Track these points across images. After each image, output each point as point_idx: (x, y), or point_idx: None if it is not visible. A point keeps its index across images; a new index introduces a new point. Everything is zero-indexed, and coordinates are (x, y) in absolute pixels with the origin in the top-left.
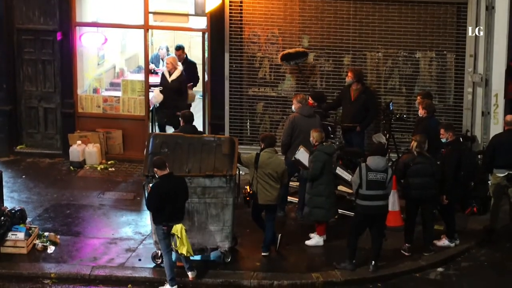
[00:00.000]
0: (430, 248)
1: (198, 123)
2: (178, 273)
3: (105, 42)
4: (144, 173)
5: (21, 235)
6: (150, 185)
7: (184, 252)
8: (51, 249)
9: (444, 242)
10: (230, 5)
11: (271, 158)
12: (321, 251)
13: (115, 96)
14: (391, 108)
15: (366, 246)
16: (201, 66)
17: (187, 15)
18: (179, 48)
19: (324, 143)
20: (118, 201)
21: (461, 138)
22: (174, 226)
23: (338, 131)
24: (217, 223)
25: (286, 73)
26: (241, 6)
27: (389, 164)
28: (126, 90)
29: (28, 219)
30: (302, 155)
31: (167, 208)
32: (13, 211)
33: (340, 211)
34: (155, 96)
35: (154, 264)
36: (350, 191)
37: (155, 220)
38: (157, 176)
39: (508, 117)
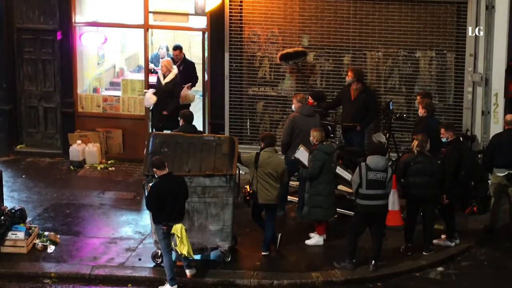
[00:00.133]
0: (430, 248)
1: (198, 122)
2: (178, 273)
3: (105, 42)
4: (144, 173)
5: (21, 235)
6: (150, 184)
7: (184, 252)
8: (51, 248)
9: (444, 241)
10: (230, 5)
11: (271, 158)
12: (321, 250)
13: (115, 96)
14: (391, 108)
15: (366, 245)
16: (201, 65)
17: (187, 14)
18: (177, 48)
19: (324, 143)
20: (118, 201)
21: (461, 138)
22: (174, 226)
23: (338, 130)
24: (217, 222)
25: (286, 73)
26: (241, 5)
27: (389, 163)
28: (126, 90)
29: (28, 219)
30: (302, 154)
31: (167, 207)
32: (13, 211)
33: (340, 210)
34: (147, 98)
35: (154, 264)
36: (350, 190)
37: (155, 219)
38: (156, 176)
39: (508, 117)
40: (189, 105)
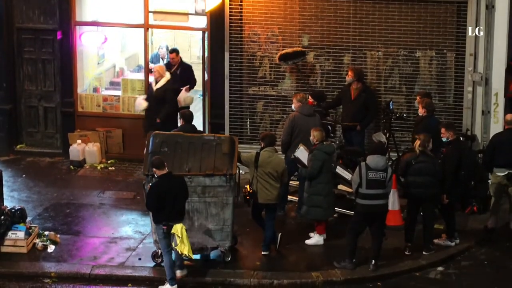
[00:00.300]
0: (430, 247)
1: (198, 122)
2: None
3: (105, 41)
4: (144, 173)
5: (21, 234)
6: (150, 184)
7: (185, 252)
8: (51, 248)
9: (444, 241)
10: (230, 4)
11: (271, 157)
12: (321, 250)
13: (115, 95)
14: (391, 107)
15: (366, 245)
16: (201, 65)
17: (187, 14)
18: (173, 51)
19: (324, 143)
20: (118, 200)
21: (461, 137)
22: (174, 226)
23: (338, 130)
24: (217, 222)
25: (286, 72)
26: (241, 5)
27: (389, 163)
28: (126, 89)
29: (28, 218)
30: (302, 154)
31: (167, 207)
32: (13, 210)
33: (340, 210)
34: (137, 104)
35: (154, 263)
36: (350, 190)
37: (155, 219)
38: (156, 176)
39: (508, 116)
40: (188, 107)
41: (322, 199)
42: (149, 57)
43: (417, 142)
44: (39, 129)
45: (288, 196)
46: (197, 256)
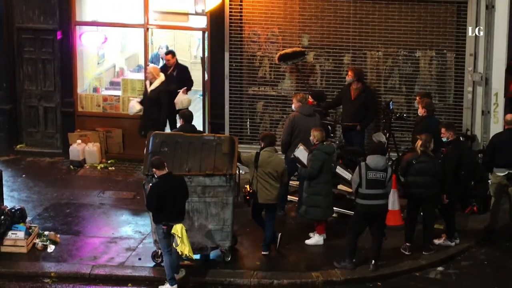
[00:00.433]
0: (430, 247)
1: (198, 122)
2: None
3: (105, 41)
4: (144, 173)
5: (21, 234)
6: (150, 184)
7: (186, 252)
8: (51, 248)
9: (444, 241)
10: (230, 4)
11: (271, 157)
12: (321, 250)
13: (115, 95)
14: (391, 107)
15: (366, 245)
16: (201, 65)
17: (187, 14)
18: (169, 53)
19: (324, 143)
20: (118, 200)
21: (461, 137)
22: (174, 226)
23: (338, 130)
24: (217, 222)
25: (286, 72)
26: (241, 5)
27: (389, 163)
28: (126, 89)
29: (28, 218)
30: (301, 153)
31: (167, 207)
32: (13, 210)
33: (340, 210)
34: (131, 106)
35: (154, 263)
36: (350, 190)
37: (155, 219)
38: (156, 176)
39: (508, 116)
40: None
41: (322, 199)
42: (149, 57)
43: (419, 142)
44: (39, 129)
45: (288, 196)
46: (197, 256)
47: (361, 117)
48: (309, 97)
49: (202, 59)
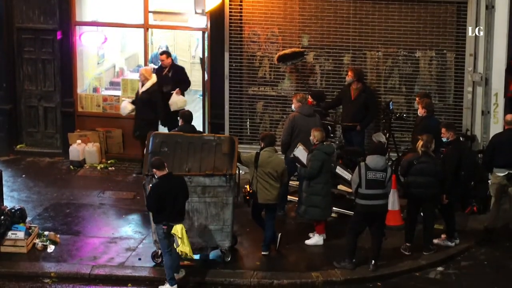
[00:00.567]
0: (430, 247)
1: (198, 122)
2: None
3: (105, 41)
4: (144, 173)
5: (21, 234)
6: (150, 185)
7: (187, 252)
8: (51, 248)
9: (444, 241)
10: (230, 4)
11: (271, 157)
12: (321, 250)
13: (115, 95)
14: (391, 107)
15: (366, 245)
16: (200, 65)
17: (187, 14)
18: (164, 53)
19: (324, 143)
20: (118, 200)
21: (461, 138)
22: (174, 227)
23: (338, 130)
24: (217, 222)
25: (286, 73)
26: (241, 5)
27: (389, 163)
28: (126, 89)
29: (28, 218)
30: (301, 153)
31: (167, 208)
32: (13, 210)
33: (340, 210)
34: (123, 107)
35: (154, 263)
36: (350, 190)
37: (155, 219)
38: (156, 177)
39: (508, 117)
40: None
41: (321, 199)
42: (149, 57)
43: (420, 143)
44: (39, 129)
45: (288, 196)
46: (197, 256)
47: (361, 117)
48: (309, 97)
49: (202, 59)
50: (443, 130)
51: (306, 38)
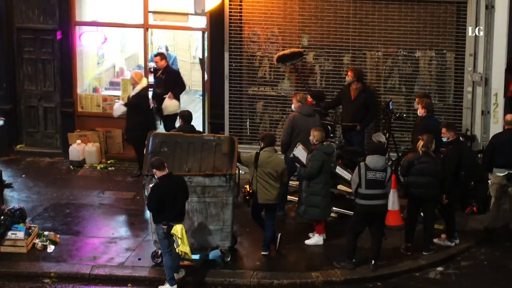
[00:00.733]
0: (430, 247)
1: (197, 122)
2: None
3: (105, 41)
4: (144, 173)
5: (20, 234)
6: (150, 185)
7: (187, 252)
8: (50, 248)
9: (444, 241)
10: (229, 4)
11: (271, 157)
12: (320, 250)
13: (114, 95)
14: (391, 107)
15: (366, 245)
16: (200, 65)
17: (186, 14)
18: (157, 55)
19: (324, 143)
20: (118, 200)
21: (461, 138)
22: (174, 227)
23: (338, 130)
24: (216, 222)
25: (286, 73)
26: (240, 5)
27: (389, 163)
28: (126, 89)
29: (28, 218)
30: (300, 153)
31: (167, 208)
32: (12, 210)
33: (340, 210)
34: (115, 108)
35: (154, 263)
36: (350, 190)
37: (155, 219)
38: (156, 177)
39: (508, 117)
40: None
41: (321, 199)
42: (149, 57)
43: (420, 143)
44: (39, 129)
45: (288, 196)
46: (197, 256)
47: (361, 117)
48: (308, 96)
49: (202, 59)
50: (444, 130)
51: (306, 38)
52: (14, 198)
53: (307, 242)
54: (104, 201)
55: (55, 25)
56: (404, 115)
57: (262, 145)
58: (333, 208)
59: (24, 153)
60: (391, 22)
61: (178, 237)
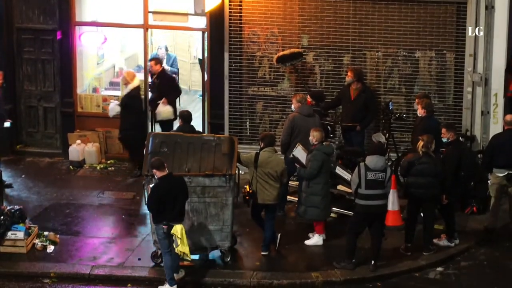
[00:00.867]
0: (430, 248)
1: (197, 122)
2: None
3: (105, 42)
4: (144, 173)
5: (20, 235)
6: (150, 185)
7: (186, 252)
8: (50, 248)
9: (444, 241)
10: (229, 5)
11: (271, 158)
12: (320, 250)
13: (114, 96)
14: (390, 108)
15: (366, 245)
16: (200, 65)
17: (186, 14)
18: (151, 59)
19: (324, 143)
20: (118, 201)
21: (461, 138)
22: (174, 227)
23: (338, 130)
24: (216, 222)
25: (286, 73)
26: (240, 5)
27: (389, 163)
28: None
29: (28, 219)
30: (300, 153)
31: (167, 208)
32: (12, 211)
33: (339, 210)
34: (111, 108)
35: (154, 264)
36: (349, 190)
37: (155, 219)
38: (156, 177)
39: (508, 117)
40: (172, 120)
41: (320, 200)
42: (149, 57)
43: (420, 143)
44: (38, 129)
45: (288, 197)
46: (196, 257)
47: (361, 118)
48: (308, 97)
49: (202, 59)
50: (444, 130)
51: (306, 38)
52: (14, 198)
53: (307, 242)
54: (104, 201)
55: (55, 25)
56: (404, 115)
57: (262, 145)
58: (333, 208)
59: (24, 153)
60: (391, 23)
61: (178, 237)
